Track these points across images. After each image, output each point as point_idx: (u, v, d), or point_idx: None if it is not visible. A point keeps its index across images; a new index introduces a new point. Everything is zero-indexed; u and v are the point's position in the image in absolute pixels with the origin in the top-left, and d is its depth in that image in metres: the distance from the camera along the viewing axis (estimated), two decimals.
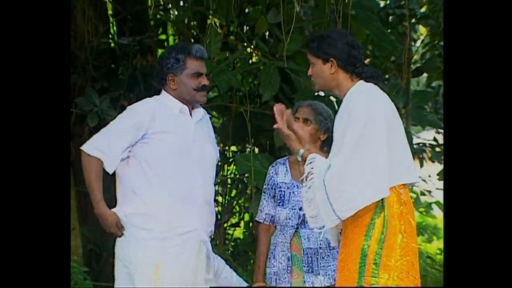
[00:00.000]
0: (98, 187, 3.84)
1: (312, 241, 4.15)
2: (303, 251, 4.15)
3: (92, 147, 3.82)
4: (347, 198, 3.37)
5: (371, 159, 3.38)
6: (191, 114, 3.95)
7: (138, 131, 3.81)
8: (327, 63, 3.53)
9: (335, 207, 3.38)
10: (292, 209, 4.19)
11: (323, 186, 3.40)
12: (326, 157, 4.14)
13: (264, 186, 4.33)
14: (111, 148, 3.80)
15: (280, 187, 4.24)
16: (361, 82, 3.54)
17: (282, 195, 4.22)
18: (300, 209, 4.16)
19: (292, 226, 4.18)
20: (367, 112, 3.41)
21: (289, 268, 4.17)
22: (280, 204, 4.22)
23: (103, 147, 3.80)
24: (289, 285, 4.15)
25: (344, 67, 3.53)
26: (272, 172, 4.30)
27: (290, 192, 4.22)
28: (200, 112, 3.99)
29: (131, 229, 3.84)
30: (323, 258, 4.13)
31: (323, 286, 4.11)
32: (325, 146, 4.26)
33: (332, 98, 5.41)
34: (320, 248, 4.14)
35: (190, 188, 3.86)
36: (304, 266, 4.15)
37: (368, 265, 3.38)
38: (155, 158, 3.81)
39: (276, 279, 4.19)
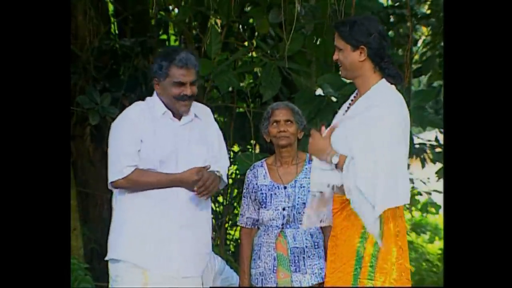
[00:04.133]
0: (160, 174, 3.74)
1: (298, 240, 4.17)
2: (290, 250, 4.16)
3: (119, 171, 3.73)
4: (384, 191, 3.28)
5: (404, 161, 3.38)
6: (179, 118, 3.87)
7: (138, 134, 3.78)
8: (356, 50, 3.40)
9: (371, 200, 3.28)
10: (276, 210, 4.20)
11: (357, 190, 3.31)
12: (304, 156, 4.21)
13: (244, 191, 4.35)
14: (134, 156, 3.74)
15: (261, 190, 4.25)
16: (384, 80, 3.44)
17: (263, 198, 4.24)
18: (284, 209, 4.19)
19: (277, 226, 4.20)
20: (399, 117, 3.38)
21: (275, 268, 4.18)
22: (263, 206, 4.24)
23: (128, 161, 3.73)
24: (275, 285, 4.16)
25: (373, 57, 3.40)
26: (251, 176, 4.31)
27: (271, 194, 4.23)
28: (190, 115, 3.89)
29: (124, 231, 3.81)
30: (309, 257, 4.14)
31: (310, 285, 4.12)
32: (300, 144, 4.31)
33: (333, 98, 5.40)
34: (306, 247, 4.15)
35: (171, 191, 3.79)
36: (292, 266, 4.16)
37: (364, 267, 3.34)
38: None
39: (262, 279, 4.20)
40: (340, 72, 3.52)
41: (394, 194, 3.31)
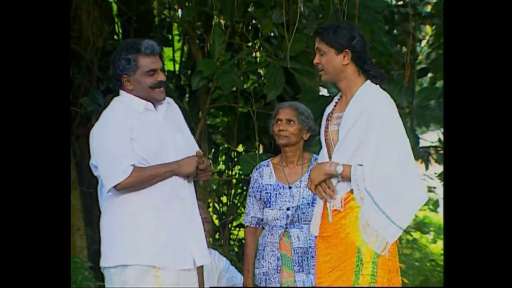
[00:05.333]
0: (158, 166, 3.67)
1: (302, 240, 4.17)
2: (294, 250, 4.17)
3: (122, 172, 3.62)
4: (403, 203, 3.31)
5: (412, 159, 3.39)
6: (156, 108, 3.80)
7: (127, 133, 3.70)
8: (340, 54, 3.44)
9: (393, 218, 3.31)
10: (280, 210, 4.21)
11: (368, 197, 3.32)
12: (310, 157, 4.23)
13: (249, 190, 4.35)
14: (132, 154, 3.66)
15: (266, 189, 4.26)
16: (369, 82, 3.49)
17: (268, 197, 4.25)
18: (288, 209, 4.19)
19: (281, 226, 4.20)
20: (397, 115, 3.41)
21: (279, 268, 4.19)
22: (268, 206, 4.25)
23: (129, 161, 3.64)
24: (279, 285, 4.16)
25: (356, 61, 3.45)
26: (257, 175, 4.32)
27: (276, 194, 4.24)
28: (164, 104, 3.83)
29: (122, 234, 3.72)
30: (313, 257, 4.14)
31: (314, 285, 4.11)
32: (308, 145, 4.30)
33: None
34: (310, 247, 4.15)
35: (168, 183, 3.73)
36: (295, 266, 4.16)
37: (367, 263, 3.35)
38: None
39: (265, 279, 4.21)
40: (321, 77, 3.54)
41: (413, 201, 3.36)
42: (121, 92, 3.81)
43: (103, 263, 3.72)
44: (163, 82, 3.76)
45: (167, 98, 3.88)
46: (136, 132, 3.69)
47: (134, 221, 3.68)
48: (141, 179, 3.65)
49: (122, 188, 3.65)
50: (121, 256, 3.66)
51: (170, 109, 3.87)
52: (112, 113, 3.76)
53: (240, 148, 6.90)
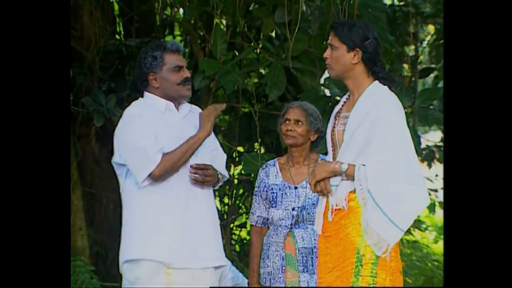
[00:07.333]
0: (181, 145, 3.73)
1: (306, 240, 4.17)
2: (298, 250, 4.16)
3: (150, 162, 3.67)
4: (405, 205, 3.30)
5: (416, 162, 3.37)
6: (178, 110, 3.88)
7: (148, 126, 3.76)
8: (351, 52, 3.42)
9: (394, 220, 3.29)
10: (285, 210, 4.20)
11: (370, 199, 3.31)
12: (316, 157, 4.20)
13: (255, 189, 4.34)
14: (156, 143, 3.71)
15: (272, 189, 4.25)
16: (378, 82, 3.46)
17: (274, 197, 4.24)
18: (293, 209, 4.19)
19: (286, 226, 4.19)
20: (403, 117, 3.40)
21: (283, 268, 4.18)
22: (273, 206, 4.24)
23: (155, 149, 3.69)
24: (283, 285, 4.16)
25: (366, 61, 3.42)
26: (263, 175, 4.31)
27: (282, 194, 4.23)
28: (186, 107, 3.91)
29: (135, 233, 3.78)
30: (317, 257, 4.12)
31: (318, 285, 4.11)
32: (315, 146, 4.30)
33: (338, 98, 5.39)
34: (314, 247, 4.13)
35: (185, 182, 3.78)
36: (299, 266, 4.16)
37: (366, 264, 3.32)
38: None
39: (270, 279, 4.20)
40: (328, 72, 3.53)
41: (415, 204, 3.34)
42: (145, 93, 3.88)
43: (120, 259, 3.79)
44: (189, 78, 3.84)
45: (192, 106, 3.96)
46: (156, 130, 3.76)
47: (150, 217, 3.73)
48: (173, 162, 3.71)
49: (157, 176, 3.70)
50: (136, 250, 3.72)
51: (192, 114, 3.93)
52: (135, 110, 3.84)
53: (242, 148, 6.90)
